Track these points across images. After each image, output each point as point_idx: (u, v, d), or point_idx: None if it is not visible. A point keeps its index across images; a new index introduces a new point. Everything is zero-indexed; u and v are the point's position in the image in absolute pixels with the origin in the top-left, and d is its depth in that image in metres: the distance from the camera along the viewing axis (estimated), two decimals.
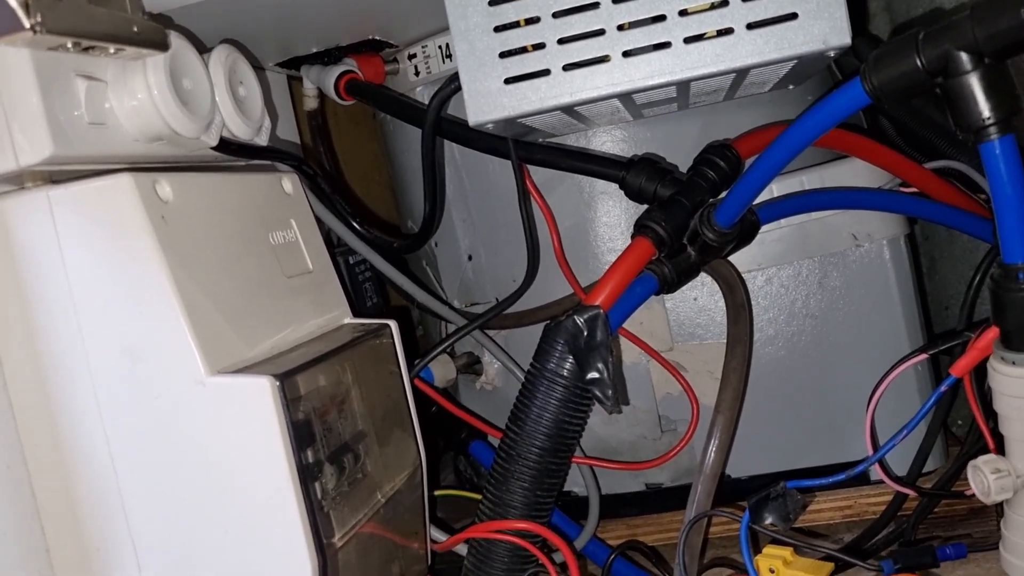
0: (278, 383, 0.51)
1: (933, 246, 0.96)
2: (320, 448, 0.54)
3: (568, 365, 0.64)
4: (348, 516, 0.56)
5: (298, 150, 0.94)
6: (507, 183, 0.77)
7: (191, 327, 0.50)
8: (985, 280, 0.77)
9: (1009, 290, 0.52)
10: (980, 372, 0.61)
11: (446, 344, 0.80)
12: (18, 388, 0.53)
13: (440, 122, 0.76)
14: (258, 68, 0.65)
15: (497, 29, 0.60)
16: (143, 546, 0.52)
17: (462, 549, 0.70)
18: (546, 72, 0.60)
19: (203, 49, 0.60)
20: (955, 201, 0.76)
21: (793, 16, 0.57)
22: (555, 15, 0.59)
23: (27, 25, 0.43)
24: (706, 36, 0.58)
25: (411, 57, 0.84)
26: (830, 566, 0.57)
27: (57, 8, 0.44)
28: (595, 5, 0.58)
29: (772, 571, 0.58)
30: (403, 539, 0.65)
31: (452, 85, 0.70)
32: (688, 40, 0.58)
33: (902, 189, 0.76)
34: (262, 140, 0.65)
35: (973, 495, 0.56)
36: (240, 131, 0.62)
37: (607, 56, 0.59)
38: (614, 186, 0.76)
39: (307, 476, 0.52)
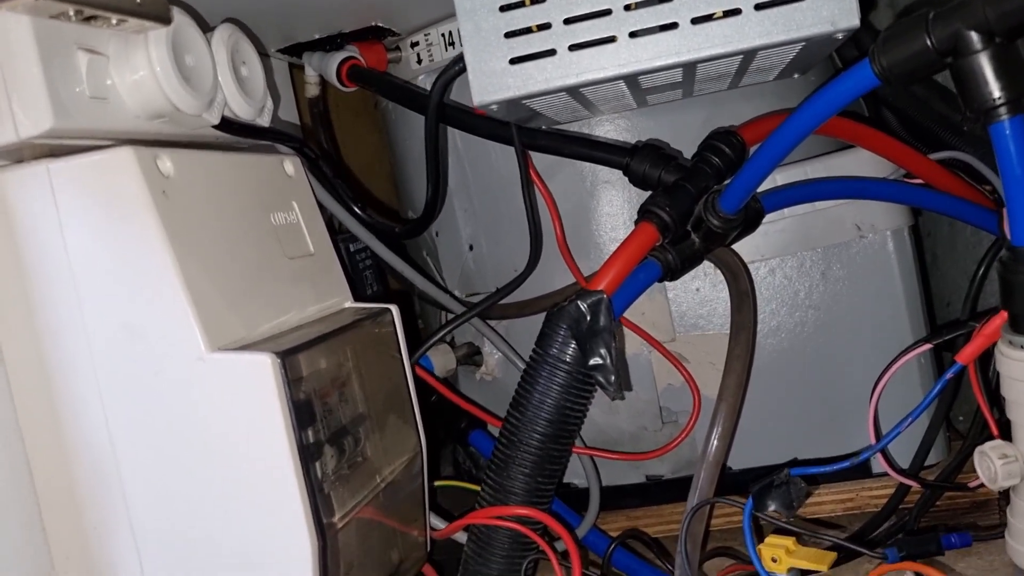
0: (279, 361, 0.50)
1: (935, 242, 0.95)
2: (320, 429, 0.53)
3: (571, 350, 0.63)
4: (347, 498, 0.55)
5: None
6: (509, 172, 0.77)
7: (192, 302, 0.50)
8: (988, 273, 0.77)
9: (1018, 273, 0.52)
10: (984, 362, 0.61)
11: (447, 330, 0.79)
12: (16, 363, 0.52)
13: (443, 107, 0.75)
14: (260, 55, 0.65)
15: (503, 8, 0.59)
16: (140, 524, 0.51)
17: (461, 538, 0.69)
18: (552, 52, 0.60)
19: (205, 29, 0.59)
20: (960, 192, 0.76)
21: None
22: None
23: None
24: (714, 17, 0.58)
25: (413, 45, 0.84)
26: (833, 555, 0.57)
27: None
28: None
29: (775, 560, 0.57)
30: (402, 525, 0.64)
31: (456, 67, 0.70)
32: (696, 21, 0.58)
33: (907, 180, 0.75)
34: (264, 121, 0.64)
35: (976, 487, 0.56)
36: (242, 111, 0.61)
37: (613, 36, 0.59)
38: (616, 174, 0.75)
39: (307, 456, 0.51)
